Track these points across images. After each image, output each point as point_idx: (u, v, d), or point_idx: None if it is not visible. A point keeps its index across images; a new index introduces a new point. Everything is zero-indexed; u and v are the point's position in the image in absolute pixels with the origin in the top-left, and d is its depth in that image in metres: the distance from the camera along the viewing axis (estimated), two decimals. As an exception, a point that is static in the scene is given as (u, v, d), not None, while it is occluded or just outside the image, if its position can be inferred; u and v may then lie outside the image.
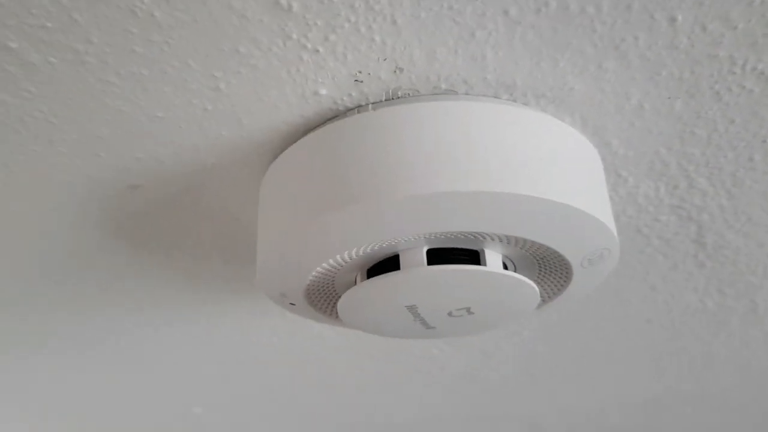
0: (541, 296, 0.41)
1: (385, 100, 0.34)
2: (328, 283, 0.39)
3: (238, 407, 0.84)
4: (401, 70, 0.32)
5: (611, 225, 0.35)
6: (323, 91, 0.34)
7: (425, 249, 0.35)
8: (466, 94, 0.34)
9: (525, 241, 0.35)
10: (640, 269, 0.54)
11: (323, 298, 0.41)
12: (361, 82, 0.33)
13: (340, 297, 0.39)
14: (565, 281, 0.39)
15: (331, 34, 0.30)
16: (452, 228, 0.33)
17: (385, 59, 0.32)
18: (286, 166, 0.37)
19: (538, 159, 0.33)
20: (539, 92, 0.34)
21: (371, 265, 0.37)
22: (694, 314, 0.62)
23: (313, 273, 0.37)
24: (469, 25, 0.30)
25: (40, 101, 0.33)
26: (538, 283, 0.40)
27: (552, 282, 0.39)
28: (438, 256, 0.36)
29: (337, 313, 0.41)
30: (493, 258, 0.36)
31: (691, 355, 0.73)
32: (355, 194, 0.32)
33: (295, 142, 0.36)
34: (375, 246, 0.35)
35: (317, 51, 0.31)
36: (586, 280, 0.39)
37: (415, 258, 0.35)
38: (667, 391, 0.84)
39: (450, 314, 0.38)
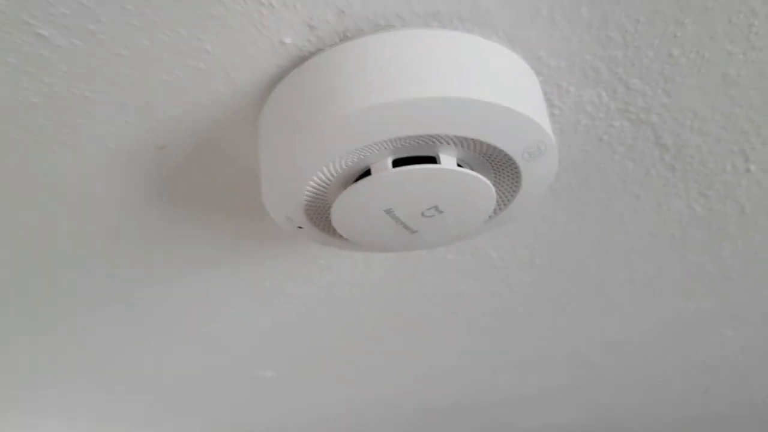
0: (501, 195, 0.48)
1: (339, 41, 0.42)
2: (322, 203, 0.48)
3: (287, 363, 0.94)
4: (343, 12, 0.40)
5: (543, 122, 0.42)
6: (287, 40, 0.42)
7: (390, 159, 0.43)
8: (402, 26, 0.42)
9: (471, 141, 0.42)
10: (617, 180, 0.59)
11: (323, 218, 0.49)
12: (315, 27, 0.41)
13: (331, 210, 0.47)
14: (516, 177, 0.46)
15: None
16: (410, 132, 0.40)
17: (327, 5, 0.40)
18: (273, 107, 0.45)
19: (474, 68, 0.40)
20: (462, 16, 0.41)
21: (350, 181, 0.46)
22: (690, 222, 0.67)
23: (306, 190, 0.45)
24: (383, -35, 0.37)
25: (74, 78, 0.43)
26: (495, 184, 0.47)
27: (506, 181, 0.46)
28: (401, 162, 0.43)
29: (333, 229, 0.49)
30: (448, 159, 0.43)
31: (706, 269, 0.78)
32: (326, 111, 0.40)
33: (273, 89, 0.45)
34: (349, 160, 0.43)
35: (272, 6, 0.39)
36: (536, 175, 0.46)
37: (382, 165, 0.43)
38: (698, 312, 0.88)
39: (423, 214, 0.46)
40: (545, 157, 0.44)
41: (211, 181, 0.55)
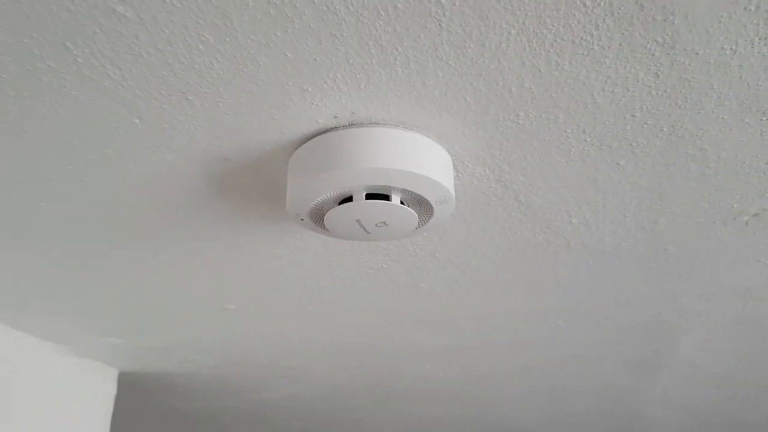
0: (421, 220, 0.84)
1: (348, 125, 0.77)
2: (320, 209, 0.83)
3: (260, 302, 1.29)
4: (354, 114, 0.75)
5: (449, 185, 0.79)
6: (320, 120, 0.77)
7: (364, 193, 0.79)
8: (383, 124, 0.77)
9: (409, 191, 0.78)
10: (494, 216, 0.97)
11: (318, 217, 0.84)
12: (337, 117, 0.76)
13: (324, 215, 0.83)
14: (431, 212, 0.82)
15: (323, 96, 0.73)
16: (377, 182, 0.76)
17: (346, 109, 0.75)
18: (302, 153, 0.80)
19: (417, 153, 0.76)
20: (417, 123, 0.77)
21: (339, 200, 0.81)
22: (534, 248, 1.06)
23: (313, 203, 0.80)
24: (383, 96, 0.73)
25: (196, 108, 0.76)
26: (419, 213, 0.83)
27: (426, 213, 0.83)
28: (370, 196, 0.79)
29: (323, 224, 0.85)
30: (396, 198, 0.79)
31: (543, 277, 1.17)
32: (339, 163, 0.75)
33: (305, 143, 0.80)
34: (340, 191, 0.78)
35: (318, 106, 0.74)
36: (442, 211, 0.82)
37: (360, 197, 0.78)
38: (538, 307, 1.29)
39: (376, 225, 0.82)
40: (448, 204, 0.81)
41: (249, 187, 0.89)
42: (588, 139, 0.80)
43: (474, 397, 2.00)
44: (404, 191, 0.79)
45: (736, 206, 0.95)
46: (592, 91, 0.72)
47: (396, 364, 1.69)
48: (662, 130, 0.78)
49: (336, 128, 0.78)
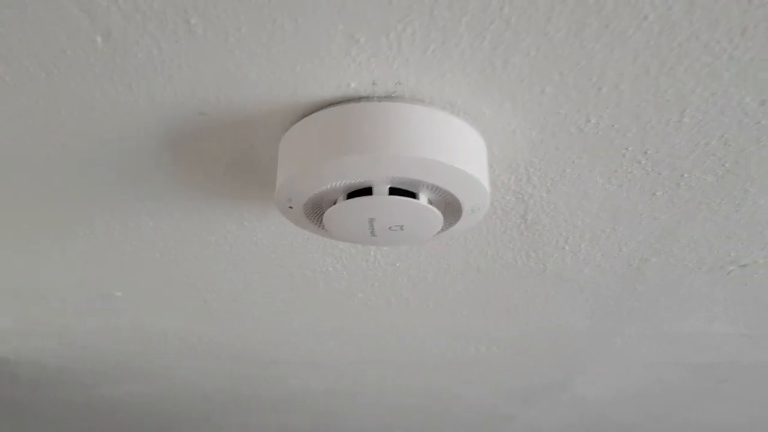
0: (442, 228, 0.68)
1: (385, 96, 0.60)
2: (319, 200, 0.64)
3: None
4: (400, 83, 0.58)
5: (488, 192, 0.64)
6: (353, 85, 0.59)
7: (388, 186, 0.62)
8: (427, 102, 0.61)
9: (441, 190, 0.62)
10: (494, 228, 0.84)
11: (314, 209, 0.66)
12: (376, 85, 0.58)
13: (322, 206, 0.64)
14: (456, 219, 0.67)
15: (372, 57, 0.55)
16: (402, 174, 0.59)
17: (392, 76, 0.57)
18: (312, 124, 0.61)
19: (459, 146, 0.60)
20: (467, 109, 0.61)
21: (350, 191, 0.63)
22: (522, 267, 0.94)
23: (316, 191, 0.62)
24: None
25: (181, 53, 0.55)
26: (444, 219, 0.67)
27: (450, 220, 0.67)
28: (395, 192, 0.62)
29: (320, 220, 0.66)
30: (423, 197, 0.63)
31: (508, 298, 1.06)
32: (358, 147, 0.58)
33: (318, 111, 0.61)
34: (359, 178, 0.60)
35: (359, 63, 0.56)
36: (466, 223, 0.67)
37: (382, 189, 0.61)
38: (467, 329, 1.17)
39: (390, 228, 0.65)
40: (479, 214, 0.66)
41: (217, 156, 0.68)
42: (643, 162, 0.69)
43: (348, 410, 1.86)
44: (436, 190, 0.62)
45: (732, 255, 0.89)
46: (686, 107, 0.61)
47: (282, 373, 1.51)
48: (723, 166, 0.69)
49: (368, 98, 0.60)
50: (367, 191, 0.62)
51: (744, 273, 0.94)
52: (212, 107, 0.62)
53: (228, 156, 0.69)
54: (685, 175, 0.71)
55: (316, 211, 0.67)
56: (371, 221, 0.64)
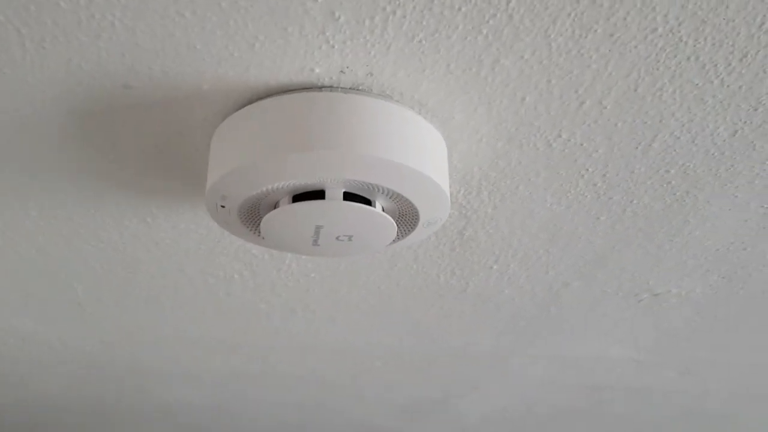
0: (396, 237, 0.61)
1: (351, 88, 0.52)
2: (257, 202, 0.55)
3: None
4: (371, 74, 0.51)
5: (449, 200, 0.57)
6: (317, 71, 0.50)
7: (342, 191, 0.54)
8: (396, 99, 0.54)
9: (400, 198, 0.55)
10: (439, 240, 0.77)
11: (250, 212, 0.57)
12: (344, 73, 0.51)
13: (260, 209, 0.56)
14: (408, 231, 0.60)
15: (348, 40, 0.47)
16: (363, 179, 0.52)
17: (365, 65, 0.50)
18: (257, 113, 0.52)
19: (426, 149, 0.54)
20: (438, 111, 0.55)
21: (297, 193, 0.54)
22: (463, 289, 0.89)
23: (256, 191, 0.53)
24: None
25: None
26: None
27: (401, 232, 0.60)
28: (349, 197, 0.54)
29: (257, 224, 0.57)
30: (379, 204, 0.56)
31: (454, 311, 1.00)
32: (316, 143, 0.49)
33: (267, 98, 0.52)
34: (308, 180, 0.52)
35: (333, 47, 0.48)
36: (417, 236, 0.61)
37: (335, 194, 0.53)
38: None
39: (337, 238, 0.57)
40: (432, 228, 0.60)
41: (145, 136, 0.57)
42: (599, 185, 0.66)
43: (224, 426, 1.73)
44: (395, 197, 0.55)
45: (650, 283, 0.89)
46: (660, 131, 0.58)
47: (154, 385, 1.36)
48: (674, 195, 0.67)
49: (332, 88, 0.52)
50: (317, 194, 0.54)
51: (654, 301, 0.94)
52: (141, 80, 0.51)
53: (148, 141, 0.59)
54: (634, 202, 0.69)
55: (251, 214, 0.58)
56: (318, 229, 0.56)
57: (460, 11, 0.45)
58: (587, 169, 0.63)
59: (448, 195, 0.56)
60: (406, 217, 0.58)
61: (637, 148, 0.60)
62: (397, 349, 1.14)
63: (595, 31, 0.47)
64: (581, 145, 0.59)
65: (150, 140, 0.59)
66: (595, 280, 0.88)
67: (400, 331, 1.05)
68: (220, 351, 1.16)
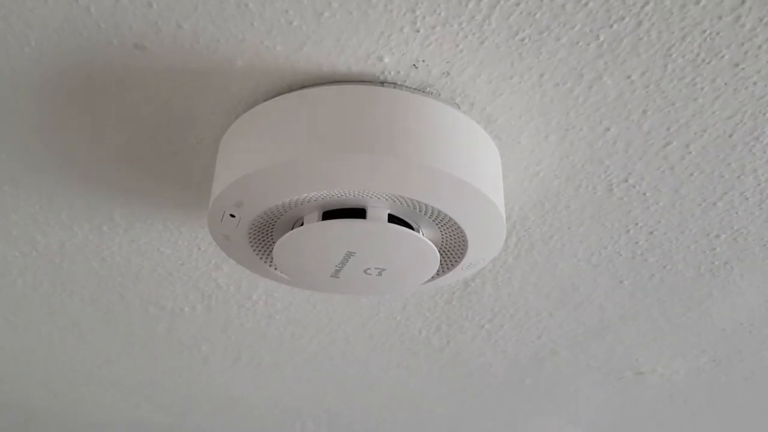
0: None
1: (415, 88, 0.43)
2: (272, 218, 0.44)
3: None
4: (448, 74, 0.42)
5: (503, 237, 0.47)
6: (386, 60, 0.41)
7: (387, 211, 0.44)
8: (465, 112, 0.45)
9: (452, 224, 0.45)
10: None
11: (262, 231, 0.45)
12: (416, 68, 0.41)
13: (274, 226, 0.45)
14: (448, 269, 0.49)
15: (439, 25, 0.38)
16: (412, 195, 0.41)
17: (447, 73, 0.41)
18: (302, 99, 0.42)
19: (488, 171, 0.44)
20: (508, 129, 0.46)
21: (328, 209, 0.44)
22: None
23: (275, 202, 0.42)
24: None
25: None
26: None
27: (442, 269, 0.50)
28: (394, 219, 0.44)
29: (269, 248, 0.46)
30: (424, 231, 0.46)
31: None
32: (372, 145, 0.39)
33: (311, 87, 0.42)
34: (342, 192, 0.41)
35: (417, 30, 0.39)
36: (454, 276, 0.50)
37: (379, 214, 0.43)
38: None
39: (366, 271, 0.46)
40: (474, 268, 0.50)
41: (142, 117, 0.45)
42: (640, 242, 0.59)
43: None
44: (443, 223, 0.45)
45: (639, 360, 0.82)
46: (733, 188, 0.52)
47: (38, 430, 1.16)
48: (712, 263, 0.61)
49: (396, 85, 0.43)
50: (354, 213, 0.43)
51: (633, 381, 0.88)
52: (158, 41, 0.40)
53: (144, 123, 0.46)
54: (667, 267, 0.62)
55: (263, 232, 0.46)
56: (348, 256, 0.45)
57: (586, 6, 0.37)
58: (636, 224, 0.56)
59: (504, 231, 0.46)
60: (450, 252, 0.49)
61: (700, 205, 0.53)
62: (334, 411, 1.02)
63: (722, 57, 0.40)
64: (644, 194, 0.52)
65: (144, 123, 0.46)
66: (585, 352, 0.80)
67: (351, 391, 0.94)
68: (133, 397, 1.00)
